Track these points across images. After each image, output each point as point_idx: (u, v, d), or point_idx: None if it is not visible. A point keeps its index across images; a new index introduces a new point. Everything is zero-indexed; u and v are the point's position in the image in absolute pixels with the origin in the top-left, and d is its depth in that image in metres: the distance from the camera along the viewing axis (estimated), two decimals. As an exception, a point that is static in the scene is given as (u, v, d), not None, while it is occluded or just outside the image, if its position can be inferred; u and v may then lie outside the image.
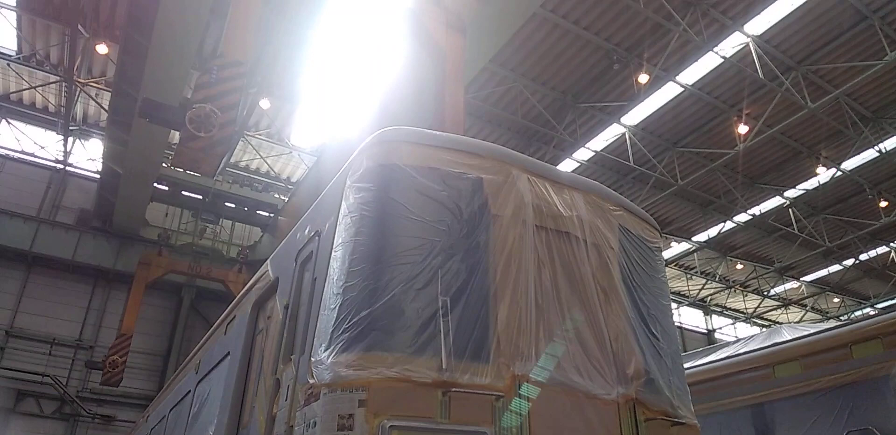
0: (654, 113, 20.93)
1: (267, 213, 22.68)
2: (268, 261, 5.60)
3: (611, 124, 21.21)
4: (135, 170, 18.18)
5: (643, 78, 18.84)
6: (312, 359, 3.50)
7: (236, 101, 8.14)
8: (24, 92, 21.52)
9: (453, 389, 3.32)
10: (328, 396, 3.25)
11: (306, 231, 4.63)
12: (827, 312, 35.17)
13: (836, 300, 34.98)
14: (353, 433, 3.10)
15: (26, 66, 20.43)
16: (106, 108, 19.17)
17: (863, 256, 29.96)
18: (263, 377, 4.45)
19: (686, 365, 8.16)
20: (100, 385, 19.08)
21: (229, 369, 5.35)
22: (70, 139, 21.89)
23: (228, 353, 5.61)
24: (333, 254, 3.83)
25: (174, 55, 13.66)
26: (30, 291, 20.13)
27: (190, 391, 7.00)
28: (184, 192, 21.50)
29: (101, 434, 19.55)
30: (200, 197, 21.63)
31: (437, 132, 4.55)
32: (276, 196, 23.38)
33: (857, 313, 33.90)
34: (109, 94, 18.31)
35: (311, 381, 3.41)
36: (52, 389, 19.28)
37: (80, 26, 17.37)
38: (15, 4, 18.13)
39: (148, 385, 20.33)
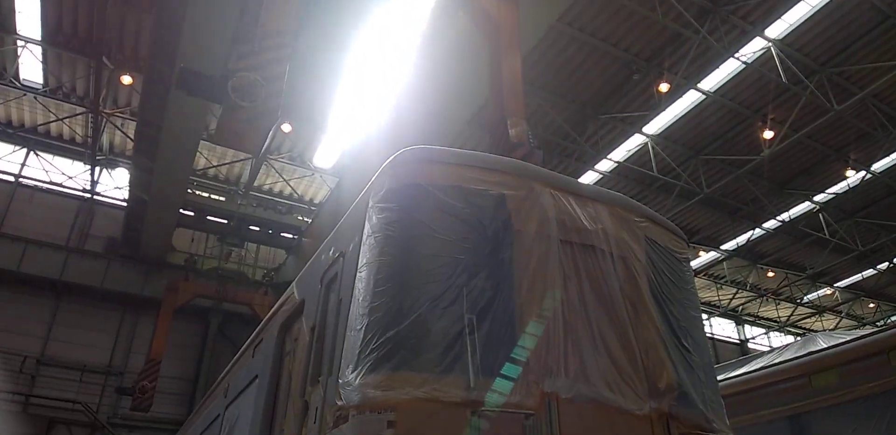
0: (676, 121, 20.78)
1: (291, 235, 22.81)
2: (293, 283, 5.62)
3: (632, 135, 21.09)
4: (161, 197, 18.44)
5: (664, 87, 18.74)
6: (340, 380, 3.48)
7: (281, 73, 7.84)
8: (52, 124, 21.99)
9: (482, 409, 3.27)
10: (357, 418, 3.23)
11: (331, 252, 4.64)
12: (863, 318, 34.41)
13: (871, 305, 34.23)
14: (382, 455, 3.08)
15: (53, 98, 20.90)
16: (132, 137, 19.51)
17: (897, 260, 29.38)
18: (292, 400, 4.44)
19: (720, 377, 8.03)
20: (130, 411, 19.18)
21: (258, 392, 5.35)
22: (97, 169, 22.29)
23: (256, 376, 5.61)
24: (358, 275, 3.83)
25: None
26: (60, 319, 20.40)
27: (219, 415, 7.02)
28: (209, 217, 21.72)
29: (133, 459, 19.64)
30: (225, 221, 21.83)
31: (458, 150, 4.55)
32: (300, 218, 23.53)
33: (894, 318, 33.13)
34: (134, 123, 18.64)
35: (340, 402, 3.39)
36: (83, 415, 19.42)
37: (104, 58, 17.74)
38: (41, 39, 18.58)
39: (177, 410, 20.40)
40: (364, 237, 3.96)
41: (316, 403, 3.89)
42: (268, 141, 15.59)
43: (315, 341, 4.29)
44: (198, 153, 19.27)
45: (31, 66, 19.81)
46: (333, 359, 3.79)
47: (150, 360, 19.11)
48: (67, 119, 21.48)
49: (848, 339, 9.26)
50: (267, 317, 6.17)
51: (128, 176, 20.59)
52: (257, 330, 6.48)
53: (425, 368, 3.38)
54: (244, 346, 6.92)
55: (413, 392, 3.26)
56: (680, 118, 20.62)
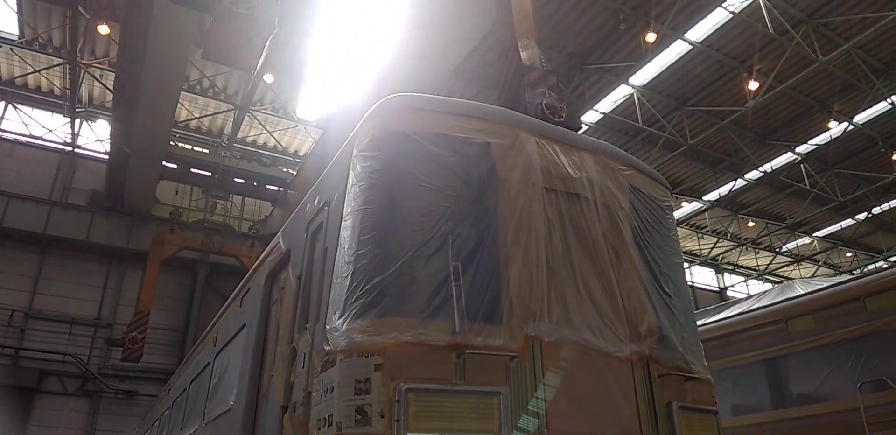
0: (662, 72, 20.67)
1: (276, 188, 22.73)
2: (279, 233, 5.63)
3: (618, 85, 20.97)
4: (143, 149, 18.21)
5: (650, 37, 18.53)
6: (327, 326, 3.54)
7: None
8: (29, 76, 21.49)
9: (467, 351, 3.35)
10: (344, 362, 3.30)
11: (315, 202, 4.64)
12: (839, 267, 35.13)
13: (848, 255, 34.91)
14: (370, 397, 3.16)
15: (29, 50, 20.37)
16: (111, 88, 19.13)
17: (875, 210, 29.81)
18: (280, 346, 4.52)
19: (699, 322, 8.21)
20: (121, 361, 19.46)
21: (246, 340, 5.43)
22: (77, 121, 21.91)
23: (245, 324, 5.68)
24: (343, 223, 3.85)
25: (178, 32, 13.51)
26: (46, 273, 20.40)
27: (209, 363, 7.12)
28: (192, 170, 21.55)
29: (124, 409, 19.99)
30: (209, 174, 21.68)
31: (442, 98, 4.51)
32: (285, 170, 23.40)
33: (870, 267, 33.84)
34: (113, 74, 18.25)
35: (327, 348, 3.45)
36: (74, 367, 19.67)
37: (80, 7, 17.22)
38: (14, -13, 17.99)
39: (168, 360, 20.69)
40: (348, 186, 3.95)
41: (304, 349, 3.96)
42: (261, 58, 15.15)
43: (302, 290, 4.33)
44: (179, 104, 18.97)
45: (5, 17, 19.21)
46: (320, 306, 3.84)
47: (139, 311, 19.25)
48: (45, 71, 20.98)
49: (825, 285, 9.45)
50: (254, 267, 6.21)
51: (108, 128, 20.27)
52: (244, 280, 6.53)
53: (411, 313, 3.43)
54: (232, 296, 6.98)
55: (399, 336, 3.32)
56: (666, 69, 20.51)
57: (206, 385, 6.98)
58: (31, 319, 19.81)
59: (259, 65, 15.94)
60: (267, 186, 22.87)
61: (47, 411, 19.23)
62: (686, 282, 5.13)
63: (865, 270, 33.37)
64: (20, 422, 18.67)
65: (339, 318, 3.46)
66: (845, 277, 16.15)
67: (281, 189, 22.51)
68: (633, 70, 20.18)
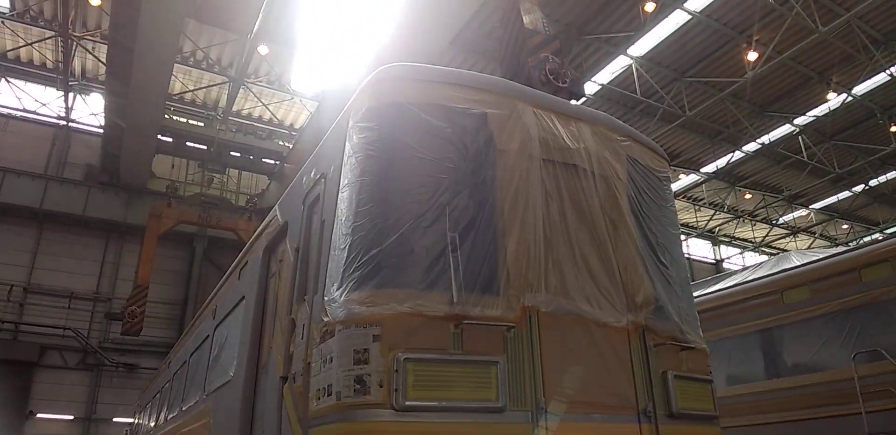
0: (661, 43, 20.46)
1: (273, 161, 22.65)
2: (276, 206, 5.62)
3: (617, 56, 20.79)
4: (137, 122, 18.08)
5: (649, 6, 18.31)
6: (326, 298, 3.55)
7: None
8: (21, 49, 21.23)
9: (465, 322, 3.37)
10: (343, 333, 3.32)
11: (312, 174, 4.62)
12: (835, 239, 35.28)
13: (844, 227, 35.02)
14: (368, 367, 3.18)
15: (21, 22, 20.09)
16: (103, 61, 18.91)
17: (872, 182, 29.82)
18: (279, 318, 4.54)
19: (695, 293, 8.26)
20: (121, 335, 19.58)
21: (245, 313, 5.46)
22: (71, 95, 21.73)
23: (243, 297, 5.70)
24: (340, 195, 3.83)
25: (171, 2, 13.33)
26: (44, 248, 20.42)
27: (209, 336, 7.17)
28: (188, 143, 21.43)
29: (125, 382, 20.19)
30: (205, 147, 21.57)
31: (439, 68, 4.46)
32: (281, 143, 23.29)
33: (866, 239, 33.98)
34: (106, 46, 18.03)
35: (326, 319, 3.46)
36: (75, 341, 19.81)
37: (70, -22, 16.96)
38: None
39: (168, 333, 20.84)
40: (345, 158, 3.93)
41: (303, 321, 3.98)
42: (256, 25, 14.89)
43: (300, 262, 4.34)
44: (173, 77, 18.77)
45: (-5, -11, 18.94)
46: (318, 278, 3.85)
47: (138, 285, 19.33)
48: (37, 44, 20.72)
49: (821, 256, 9.49)
50: (251, 239, 6.21)
51: (102, 101, 20.09)
52: (242, 253, 6.54)
53: (409, 284, 3.44)
54: (230, 268, 7.00)
55: (397, 307, 3.33)
56: (665, 39, 20.30)
57: (206, 357, 7.03)
58: (31, 293, 19.88)
59: (254, 32, 15.74)
60: (263, 160, 22.78)
61: (48, 385, 19.43)
62: (683, 253, 5.14)
63: (861, 242, 33.50)
64: (21, 396, 18.87)
65: (337, 289, 3.47)
66: (841, 249, 16.24)
67: (277, 163, 22.43)
68: (632, 40, 19.98)
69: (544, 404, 3.44)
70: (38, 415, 19.16)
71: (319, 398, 3.37)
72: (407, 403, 3.12)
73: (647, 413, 3.81)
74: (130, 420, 17.57)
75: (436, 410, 3.18)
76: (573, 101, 6.99)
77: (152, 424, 11.58)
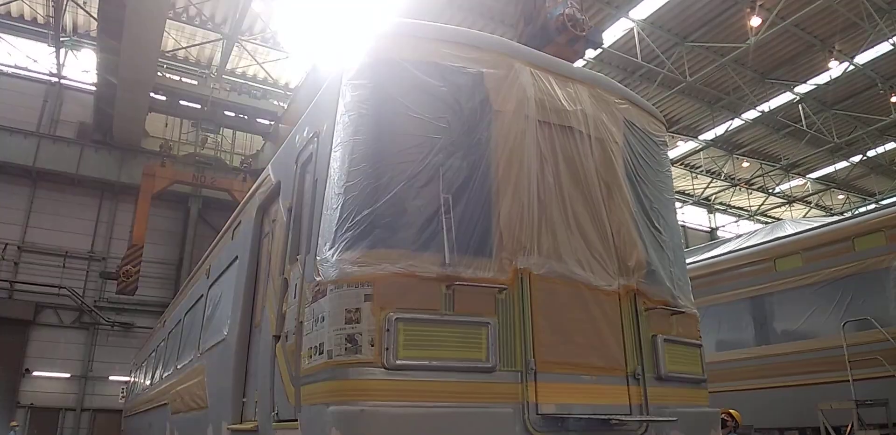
0: (663, 5, 20.10)
1: (267, 122, 22.44)
2: (269, 165, 5.57)
3: (619, 19, 20.44)
4: (130, 79, 17.83)
5: (652, -32, 17.95)
6: (318, 258, 3.53)
7: None
8: (12, 4, 20.79)
9: (457, 283, 3.37)
10: (335, 292, 3.31)
11: (305, 133, 4.56)
12: (831, 209, 35.37)
13: (840, 197, 35.09)
14: (360, 326, 3.18)
15: (10, -25, 19.63)
16: (95, 16, 18.53)
17: (870, 153, 29.76)
18: (272, 278, 4.53)
19: (689, 260, 8.28)
20: (116, 294, 19.67)
21: (238, 272, 5.46)
22: (62, 51, 21.33)
23: (237, 257, 5.70)
24: (333, 154, 3.78)
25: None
26: (38, 206, 20.35)
27: (203, 295, 7.19)
28: (181, 102, 21.19)
29: (121, 341, 20.37)
30: (199, 106, 21.34)
31: (436, 24, 4.35)
32: (276, 103, 23.03)
33: (862, 210, 34.09)
34: (97, 1, 17.63)
35: (318, 278, 3.46)
36: (70, 300, 19.91)
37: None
38: None
39: (163, 293, 20.94)
40: (338, 116, 3.86)
41: (295, 280, 3.97)
42: None
43: (292, 221, 4.31)
44: (165, 33, 18.44)
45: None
46: (311, 237, 3.83)
47: (133, 245, 19.35)
48: (27, -3, 20.30)
49: (815, 225, 9.52)
50: (244, 199, 6.18)
51: (94, 58, 19.77)
52: (235, 212, 6.51)
53: (401, 245, 3.42)
54: (223, 228, 6.98)
55: (389, 268, 3.32)
56: (668, 2, 19.93)
57: (200, 317, 7.07)
58: (25, 252, 19.89)
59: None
60: (258, 120, 22.58)
61: (44, 343, 19.60)
62: (677, 218, 5.13)
63: (856, 212, 33.61)
64: (17, 354, 19.04)
65: (329, 249, 3.45)
66: (835, 218, 16.27)
67: (272, 123, 22.21)
68: (634, 2, 19.63)
69: (534, 365, 3.46)
70: (35, 373, 19.39)
71: (311, 357, 3.39)
72: (397, 362, 3.14)
73: (635, 375, 3.85)
74: (126, 378, 17.79)
75: (426, 369, 3.20)
76: (591, 50, 6.73)
77: (148, 383, 11.72)
